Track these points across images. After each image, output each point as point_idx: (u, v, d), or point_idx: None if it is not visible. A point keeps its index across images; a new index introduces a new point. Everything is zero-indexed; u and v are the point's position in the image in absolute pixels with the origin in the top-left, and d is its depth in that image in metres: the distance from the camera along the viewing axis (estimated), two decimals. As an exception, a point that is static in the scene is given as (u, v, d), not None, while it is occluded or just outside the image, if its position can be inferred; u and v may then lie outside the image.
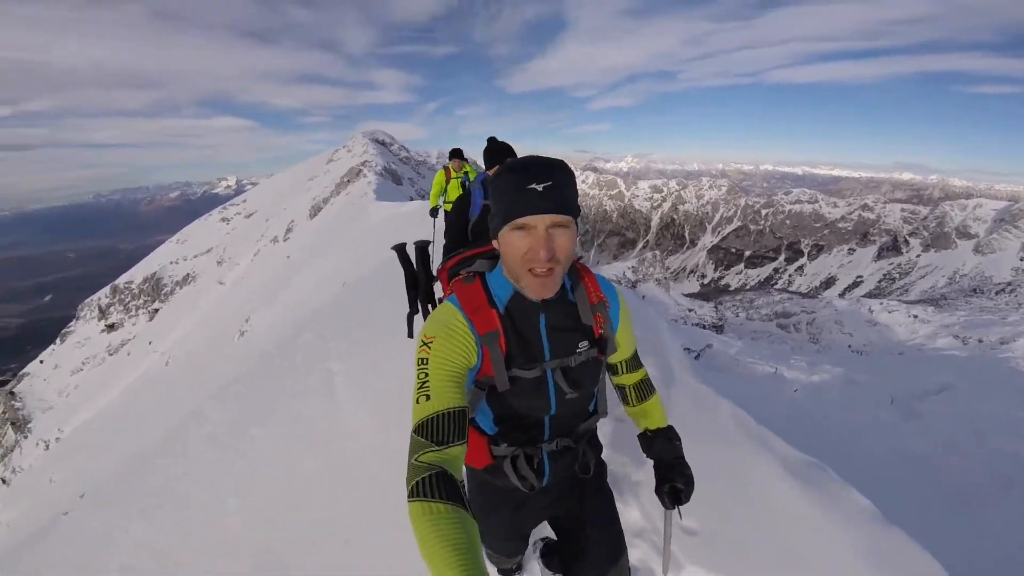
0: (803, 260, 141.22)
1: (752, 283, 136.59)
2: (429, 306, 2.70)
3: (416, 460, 1.01)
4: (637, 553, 2.24)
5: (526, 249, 1.09)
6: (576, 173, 1.22)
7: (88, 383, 30.00)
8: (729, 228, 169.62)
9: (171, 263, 40.46)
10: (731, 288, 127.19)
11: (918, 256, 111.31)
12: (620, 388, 1.52)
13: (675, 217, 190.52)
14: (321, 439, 3.90)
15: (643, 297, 17.60)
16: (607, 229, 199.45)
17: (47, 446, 23.51)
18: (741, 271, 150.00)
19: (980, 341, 10.81)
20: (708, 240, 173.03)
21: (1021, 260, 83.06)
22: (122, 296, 38.81)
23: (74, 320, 39.74)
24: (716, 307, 25.60)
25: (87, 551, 3.95)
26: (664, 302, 21.36)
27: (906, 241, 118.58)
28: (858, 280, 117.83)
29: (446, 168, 6.36)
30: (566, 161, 1.12)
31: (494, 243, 1.19)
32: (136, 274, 40.30)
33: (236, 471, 3.97)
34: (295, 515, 3.23)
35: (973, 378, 6.64)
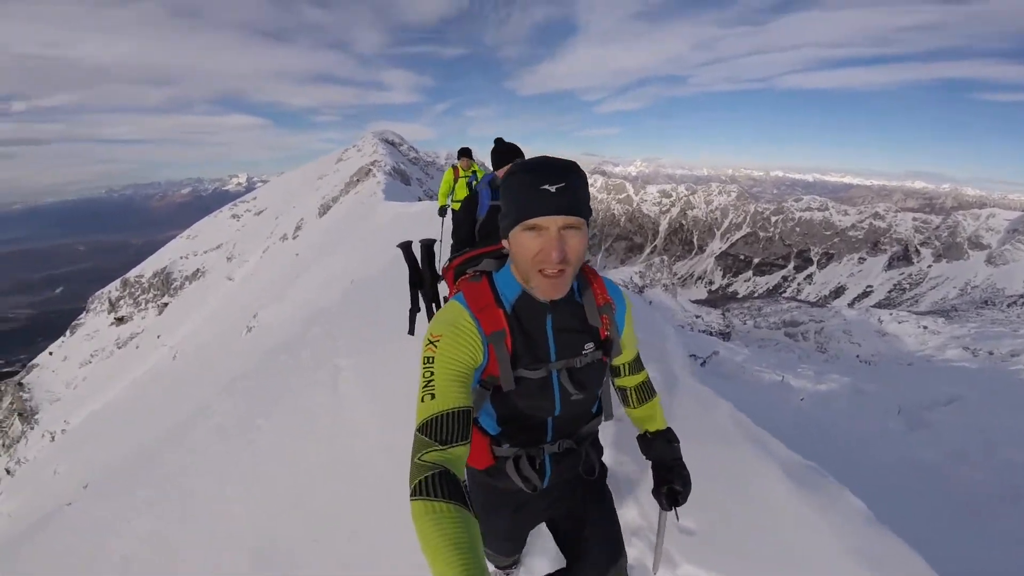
0: (812, 268, 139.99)
1: (760, 291, 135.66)
2: (433, 305, 2.70)
3: (419, 459, 1.01)
4: (634, 552, 2.26)
5: (537, 250, 1.09)
6: (585, 176, 1.20)
7: (96, 375, 30.26)
8: (738, 234, 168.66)
9: (181, 258, 40.75)
10: (739, 295, 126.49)
11: (929, 266, 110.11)
12: (621, 390, 1.54)
13: (683, 222, 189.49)
14: (326, 433, 3.92)
15: (650, 303, 17.56)
16: (615, 233, 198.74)
17: (53, 437, 23.73)
18: (749, 278, 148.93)
19: (991, 353, 10.71)
20: (716, 246, 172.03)
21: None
22: (132, 290, 39.15)
23: (84, 312, 40.09)
24: (723, 314, 25.50)
25: (89, 541, 3.98)
26: (671, 308, 21.31)
27: (917, 251, 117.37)
28: (868, 290, 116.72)
29: (454, 167, 6.37)
30: (575, 163, 1.13)
31: (504, 243, 1.19)
32: (146, 268, 40.60)
33: (242, 463, 3.99)
34: (299, 509, 3.24)
35: (983, 389, 6.58)
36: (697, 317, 21.46)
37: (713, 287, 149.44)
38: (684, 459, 1.48)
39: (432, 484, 0.94)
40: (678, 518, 1.51)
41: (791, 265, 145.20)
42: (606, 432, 2.84)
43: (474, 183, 6.11)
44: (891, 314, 18.96)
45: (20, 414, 28.87)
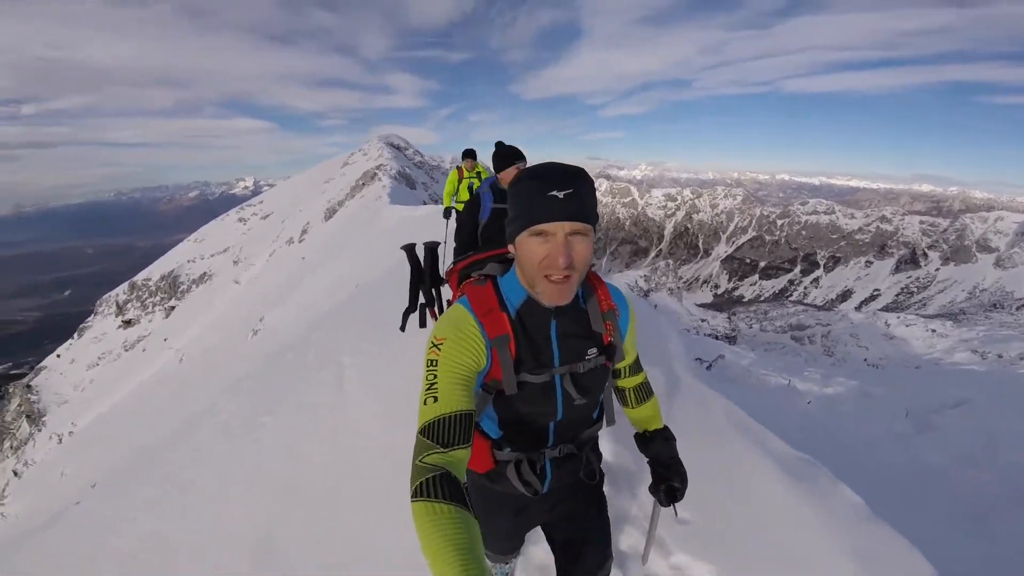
0: (819, 272, 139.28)
1: (766, 294, 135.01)
2: (436, 308, 2.71)
3: (421, 461, 1.01)
4: (629, 541, 2.33)
5: (544, 255, 1.09)
6: (589, 180, 1.19)
7: (103, 378, 30.42)
8: (744, 238, 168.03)
9: (188, 262, 40.97)
10: (745, 299, 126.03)
11: (937, 270, 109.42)
12: (620, 391, 1.56)
13: (689, 226, 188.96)
14: (329, 433, 3.94)
15: (655, 306, 17.53)
16: (620, 237, 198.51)
17: (60, 440, 23.87)
18: (755, 282, 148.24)
19: (999, 356, 10.63)
20: (722, 250, 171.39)
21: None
22: (139, 293, 39.38)
23: (92, 315, 40.33)
24: (729, 318, 25.38)
25: (90, 541, 3.99)
26: (676, 312, 21.25)
27: (925, 254, 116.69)
28: (875, 293, 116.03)
29: (459, 168, 6.38)
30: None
31: (510, 248, 1.19)
32: (154, 271, 40.84)
33: (247, 462, 4.01)
34: (301, 509, 3.25)
35: (991, 392, 6.53)
36: (703, 321, 21.37)
37: (719, 291, 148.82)
38: (681, 455, 1.51)
39: (433, 486, 0.94)
40: (676, 514, 1.54)
41: (797, 269, 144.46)
42: (605, 429, 2.88)
43: (475, 185, 6.13)
44: (899, 317, 18.86)
45: (28, 416, 29.06)
